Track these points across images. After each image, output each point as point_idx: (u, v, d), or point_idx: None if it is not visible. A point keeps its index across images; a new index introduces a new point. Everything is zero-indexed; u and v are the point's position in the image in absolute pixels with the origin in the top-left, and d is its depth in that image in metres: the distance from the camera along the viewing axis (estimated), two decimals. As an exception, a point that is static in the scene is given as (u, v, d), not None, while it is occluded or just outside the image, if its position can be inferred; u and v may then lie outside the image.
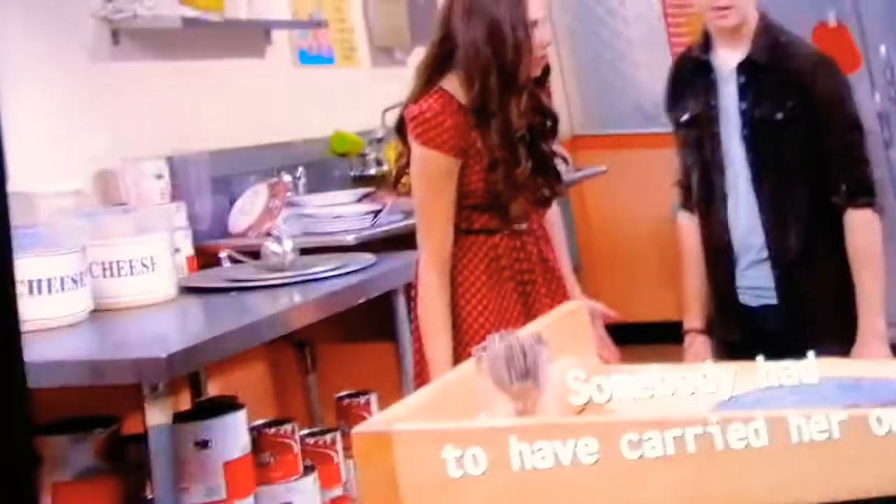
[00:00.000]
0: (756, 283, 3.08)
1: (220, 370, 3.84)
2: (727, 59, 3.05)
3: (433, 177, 2.96)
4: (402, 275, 3.51)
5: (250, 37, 4.62)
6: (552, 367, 2.13)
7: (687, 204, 3.18)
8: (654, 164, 6.81)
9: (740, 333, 3.08)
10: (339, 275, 3.54)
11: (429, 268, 3.00)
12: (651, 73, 6.76)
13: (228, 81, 4.48)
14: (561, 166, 3.16)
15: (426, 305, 3.00)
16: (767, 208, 3.02)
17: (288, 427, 3.41)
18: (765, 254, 3.04)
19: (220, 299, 3.40)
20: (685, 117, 3.11)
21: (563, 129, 6.51)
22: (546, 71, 3.06)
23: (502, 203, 2.98)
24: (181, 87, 4.24)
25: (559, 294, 3.08)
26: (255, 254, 3.66)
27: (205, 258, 3.84)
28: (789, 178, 3.02)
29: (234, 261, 3.71)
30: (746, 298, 3.10)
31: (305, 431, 3.58)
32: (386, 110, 5.05)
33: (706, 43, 3.08)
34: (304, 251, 3.73)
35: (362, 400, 3.73)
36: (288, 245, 3.59)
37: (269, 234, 3.77)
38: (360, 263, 3.66)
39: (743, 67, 3.02)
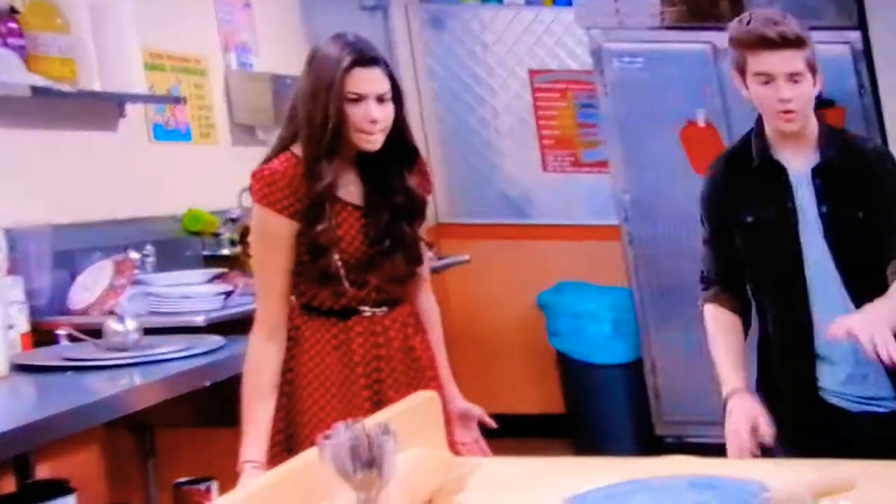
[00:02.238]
0: (865, 392, 2.95)
1: (52, 452, 3.70)
2: (793, 161, 2.93)
3: (267, 237, 2.95)
4: None
5: (103, 109, 4.50)
6: (399, 457, 2.05)
7: (718, 298, 3.06)
8: (517, 254, 6.85)
9: (827, 437, 2.93)
10: (184, 357, 3.46)
11: (259, 331, 2.97)
12: (518, 164, 6.80)
13: (78, 153, 4.35)
14: (426, 251, 3.14)
15: (250, 368, 2.96)
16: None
17: (121, 513, 3.28)
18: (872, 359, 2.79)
19: (56, 378, 3.30)
20: (751, 219, 2.97)
21: (428, 216, 6.54)
22: (410, 153, 3.06)
23: (337, 275, 2.94)
24: (27, 158, 4.11)
25: (422, 385, 3.00)
26: (96, 332, 3.57)
27: (42, 335, 3.74)
28: (882, 276, 2.88)
29: (72, 339, 3.63)
30: (845, 404, 2.97)
31: (141, 519, 3.44)
32: (244, 190, 4.98)
33: (764, 142, 2.96)
34: (150, 331, 3.65)
35: (203, 487, 3.62)
36: (131, 324, 3.52)
37: (111, 313, 3.67)
38: (207, 346, 3.58)
39: (818, 170, 2.92)
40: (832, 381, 2.97)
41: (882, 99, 5.61)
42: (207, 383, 3.42)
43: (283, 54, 5.66)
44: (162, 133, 4.83)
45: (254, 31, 5.53)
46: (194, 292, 4.09)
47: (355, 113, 2.88)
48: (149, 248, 4.33)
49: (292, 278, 2.97)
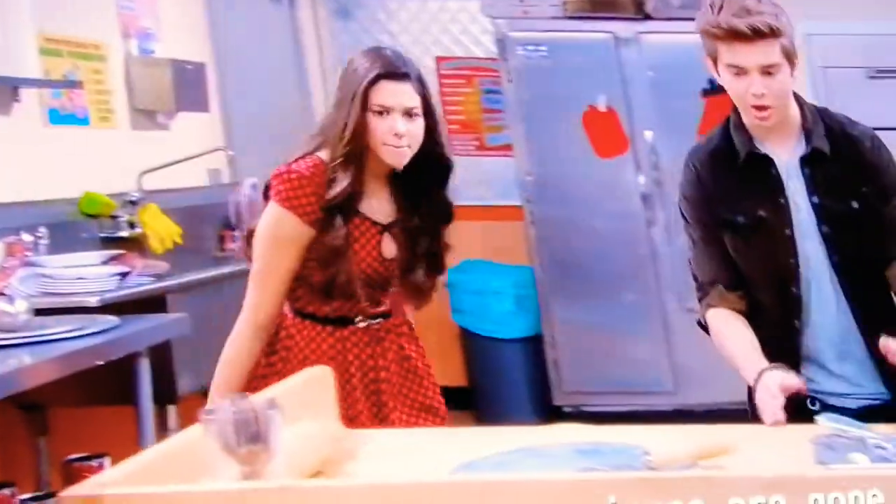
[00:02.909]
0: (858, 390, 2.75)
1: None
2: (779, 152, 2.71)
3: (279, 237, 2.90)
4: (146, 337, 3.45)
5: (-4, 93, 4.44)
6: (288, 430, 2.07)
7: (724, 300, 2.79)
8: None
9: None
10: (76, 336, 3.42)
11: (246, 327, 2.95)
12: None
13: (-30, 138, 4.29)
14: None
15: (227, 359, 2.95)
16: (862, 314, 2.70)
17: (7, 491, 3.25)
18: (866, 357, 2.72)
19: (-57, 359, 3.24)
20: (743, 219, 2.73)
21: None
22: (443, 169, 3.02)
23: (346, 288, 2.92)
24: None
25: (421, 395, 3.05)
26: (-15, 314, 3.49)
27: (-70, 317, 3.63)
28: (879, 275, 2.72)
29: (-40, 320, 3.54)
30: (835, 401, 2.73)
31: (27, 496, 3.39)
32: (144, 172, 4.94)
33: (746, 134, 2.73)
34: (43, 312, 3.61)
35: (95, 463, 3.55)
36: (20, 305, 3.47)
37: (1, 294, 3.59)
38: (100, 325, 3.55)
39: (805, 159, 2.70)
40: (820, 381, 2.76)
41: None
42: (100, 362, 3.39)
43: (186, 41, 5.67)
44: (57, 117, 4.76)
45: (157, 18, 5.49)
46: (88, 273, 4.06)
47: (380, 126, 2.86)
48: (42, 231, 4.27)
49: (293, 283, 2.95)
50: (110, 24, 5.20)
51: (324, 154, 2.91)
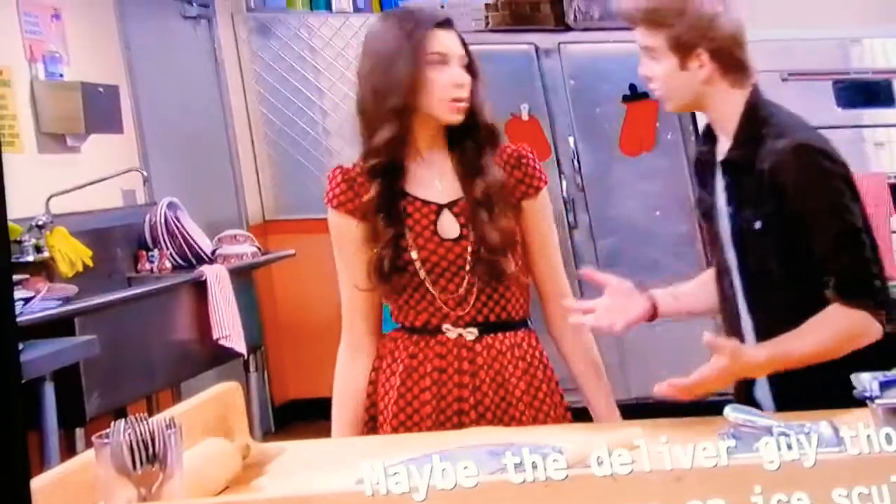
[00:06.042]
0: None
1: None
2: (720, 153, 2.63)
3: (338, 241, 2.66)
4: (50, 362, 3.35)
5: None
6: (194, 449, 2.13)
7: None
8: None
9: None
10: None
11: (342, 345, 2.75)
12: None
13: None
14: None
15: (335, 385, 2.73)
16: (763, 330, 2.57)
17: None
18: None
19: None
20: (700, 211, 2.73)
21: (255, 214, 6.50)
22: (491, 131, 2.65)
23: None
24: None
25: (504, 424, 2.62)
26: None
27: None
28: (779, 294, 2.56)
29: None
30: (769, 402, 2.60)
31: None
32: (51, 196, 4.86)
33: (709, 129, 2.68)
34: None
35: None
36: None
37: None
38: (0, 351, 3.41)
39: (726, 166, 2.60)
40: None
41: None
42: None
43: (99, 63, 5.60)
44: (-43, 143, 4.68)
45: (64, 41, 5.41)
46: (-9, 298, 3.94)
47: (439, 78, 2.54)
48: (-58, 257, 4.15)
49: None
50: (15, 49, 5.12)
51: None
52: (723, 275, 2.66)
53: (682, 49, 2.54)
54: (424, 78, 2.54)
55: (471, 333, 2.63)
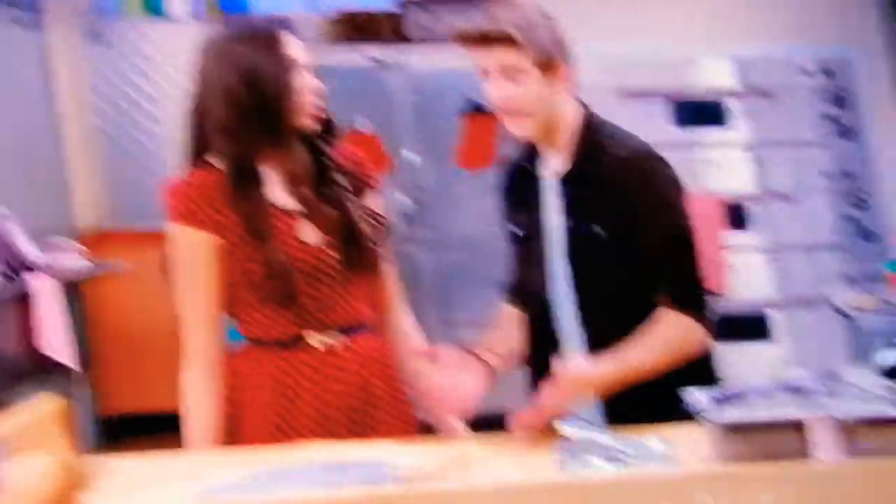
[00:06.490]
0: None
1: None
2: (552, 167, 2.62)
3: (184, 257, 2.52)
4: None
5: None
6: (19, 465, 2.05)
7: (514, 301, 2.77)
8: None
9: None
10: None
11: (189, 368, 2.55)
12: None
13: None
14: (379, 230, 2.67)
15: (187, 413, 2.54)
16: (596, 342, 2.54)
17: None
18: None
19: None
20: (513, 229, 2.70)
21: (89, 222, 6.34)
22: (329, 124, 2.63)
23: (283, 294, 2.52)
24: None
25: (370, 427, 2.59)
26: None
27: None
28: (614, 305, 2.56)
29: None
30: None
31: None
32: None
33: (532, 147, 2.67)
34: None
35: None
36: None
37: None
38: None
39: (566, 179, 2.59)
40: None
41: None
42: None
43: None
44: None
45: None
46: None
47: (301, 85, 2.51)
48: None
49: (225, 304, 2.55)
50: None
51: (211, 158, 2.58)
52: (536, 297, 2.64)
53: (548, 65, 2.52)
54: (289, 86, 2.51)
55: (334, 338, 2.58)
